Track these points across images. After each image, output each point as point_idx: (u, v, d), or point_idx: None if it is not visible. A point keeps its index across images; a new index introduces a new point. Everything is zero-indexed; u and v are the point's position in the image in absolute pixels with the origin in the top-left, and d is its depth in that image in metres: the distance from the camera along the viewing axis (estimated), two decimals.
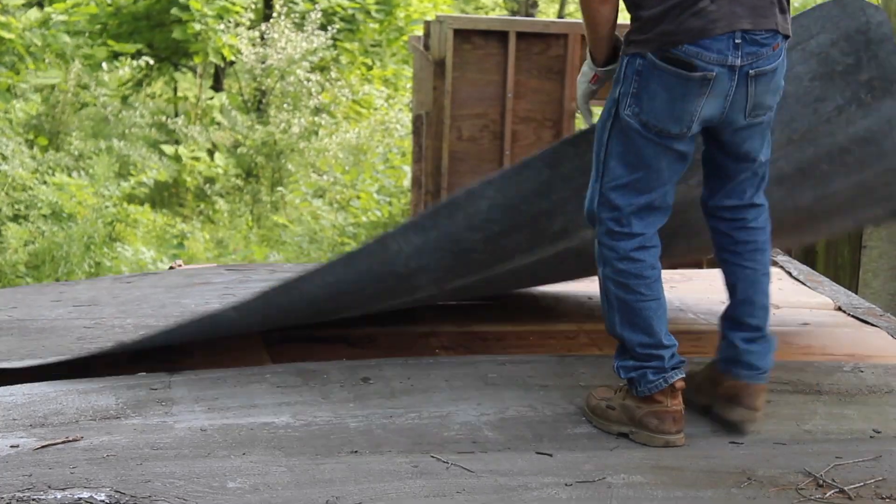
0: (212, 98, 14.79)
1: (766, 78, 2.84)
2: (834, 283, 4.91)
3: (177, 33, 14.26)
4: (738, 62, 2.77)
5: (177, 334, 3.53)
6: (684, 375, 2.97)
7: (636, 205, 2.91)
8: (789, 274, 4.97)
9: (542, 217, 3.37)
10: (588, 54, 3.04)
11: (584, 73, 3.08)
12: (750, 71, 2.79)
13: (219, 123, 14.27)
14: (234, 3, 14.38)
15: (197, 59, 14.71)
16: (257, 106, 14.93)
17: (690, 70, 2.75)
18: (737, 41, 2.76)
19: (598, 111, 3.09)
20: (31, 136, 12.83)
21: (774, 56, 2.83)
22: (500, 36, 6.60)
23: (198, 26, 14.03)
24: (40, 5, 14.72)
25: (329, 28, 14.70)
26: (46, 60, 13.56)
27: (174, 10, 14.18)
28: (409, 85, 15.41)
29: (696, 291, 4.65)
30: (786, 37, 2.88)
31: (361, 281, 3.43)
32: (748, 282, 3.05)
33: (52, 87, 13.52)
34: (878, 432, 3.15)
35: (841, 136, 3.45)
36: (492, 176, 3.25)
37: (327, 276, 3.38)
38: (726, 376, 3.08)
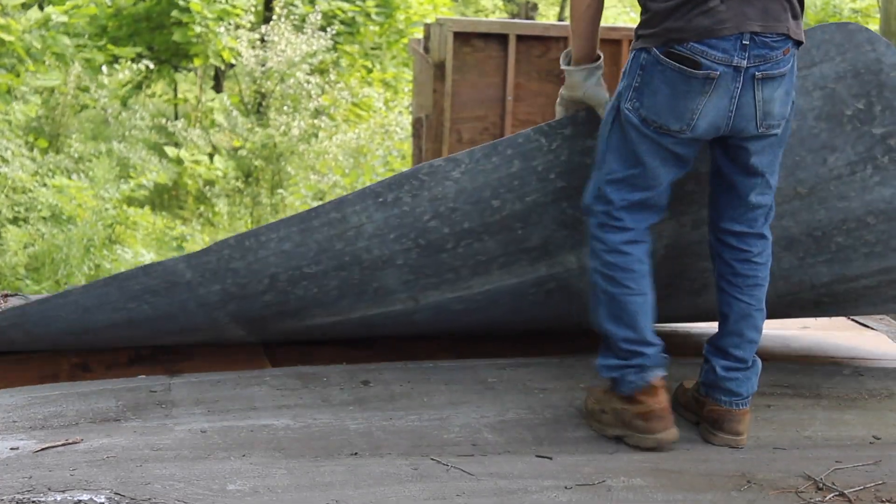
0: (213, 99, 14.79)
1: (775, 83, 2.80)
2: None
3: (177, 35, 14.27)
4: (745, 63, 2.74)
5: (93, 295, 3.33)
6: (664, 373, 2.95)
7: (629, 200, 2.90)
8: None
9: (517, 223, 3.25)
10: (575, 56, 3.04)
11: (571, 75, 3.07)
12: (756, 73, 2.76)
13: (219, 126, 14.27)
14: (234, 6, 14.39)
15: (197, 62, 14.71)
16: (257, 108, 14.94)
17: (694, 68, 2.73)
18: (745, 42, 2.74)
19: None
20: (30, 139, 12.83)
21: (784, 61, 2.79)
22: (500, 39, 6.61)
23: (198, 29, 14.04)
24: (40, 7, 14.72)
25: (328, 29, 14.71)
26: (46, 62, 13.56)
27: (174, 13, 14.18)
28: (408, 88, 15.43)
29: None
30: (798, 43, 2.84)
31: (322, 259, 3.26)
32: (741, 315, 3.02)
33: (52, 89, 13.53)
34: (878, 437, 3.14)
35: (856, 203, 3.27)
36: (458, 154, 3.13)
37: (284, 244, 3.21)
38: (708, 400, 3.07)
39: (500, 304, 3.51)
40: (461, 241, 3.27)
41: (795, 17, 2.82)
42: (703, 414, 3.08)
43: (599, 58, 3.00)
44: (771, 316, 3.44)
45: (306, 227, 3.19)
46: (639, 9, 2.90)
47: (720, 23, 2.72)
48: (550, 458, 2.89)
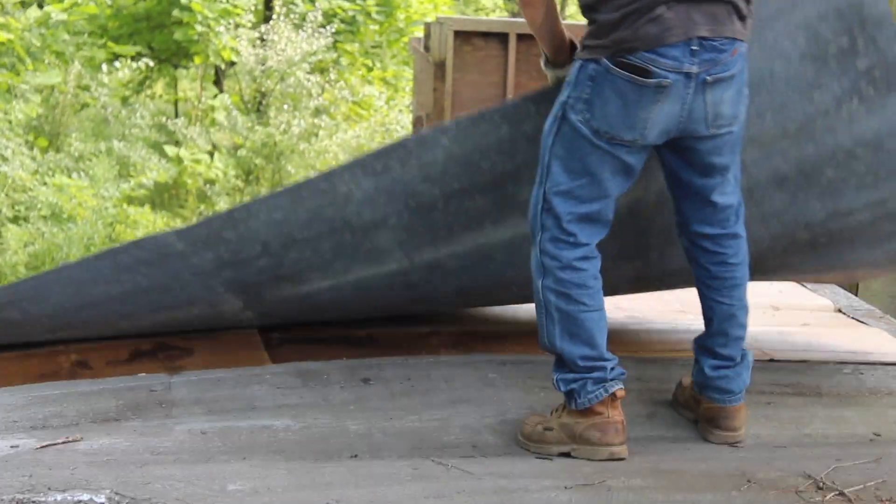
0: (214, 97, 14.79)
1: (725, 84, 2.78)
2: (834, 285, 4.90)
3: (178, 34, 14.27)
4: (695, 69, 2.72)
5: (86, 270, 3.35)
6: (623, 386, 2.92)
7: (577, 213, 2.85)
8: None
9: (509, 181, 3.21)
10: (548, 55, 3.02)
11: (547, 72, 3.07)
12: (707, 77, 2.74)
13: (219, 124, 14.28)
14: (235, 6, 14.39)
15: (197, 60, 14.71)
16: (257, 107, 14.95)
17: (646, 76, 2.70)
18: (693, 48, 2.71)
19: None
20: (31, 137, 12.83)
21: (733, 62, 2.78)
22: (500, 37, 6.60)
23: (199, 28, 14.04)
24: (40, 5, 14.71)
25: (327, 27, 14.70)
26: (46, 61, 13.56)
27: (175, 12, 14.18)
28: (409, 86, 15.42)
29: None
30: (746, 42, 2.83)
31: (313, 225, 3.25)
32: (724, 316, 3.01)
33: (52, 88, 13.52)
34: (878, 435, 3.14)
35: (844, 136, 3.27)
36: (445, 124, 3.13)
37: (275, 213, 3.21)
38: (703, 398, 3.07)
39: (494, 259, 3.46)
40: (452, 199, 3.25)
41: (742, 18, 2.79)
42: (700, 412, 3.08)
43: (575, 48, 2.95)
44: (768, 268, 3.51)
45: (295, 198, 3.22)
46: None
47: (668, 30, 2.69)
48: (551, 459, 2.89)
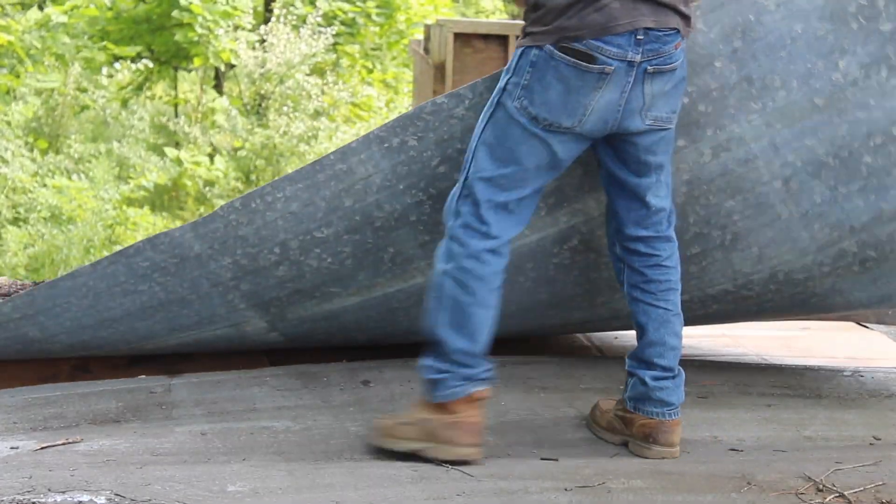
0: (214, 100, 14.80)
1: (665, 77, 2.79)
2: None
3: (179, 36, 14.28)
4: (638, 58, 2.73)
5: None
6: (486, 391, 2.88)
7: (496, 201, 2.81)
8: None
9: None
10: None
11: None
12: (648, 67, 2.75)
13: (219, 126, 14.28)
14: (235, 8, 14.40)
15: (197, 63, 14.72)
16: (257, 109, 14.95)
17: (590, 62, 2.71)
18: (639, 37, 2.73)
19: None
20: (30, 139, 12.84)
21: (676, 56, 2.79)
22: (500, 40, 6.60)
23: (200, 30, 14.04)
24: (40, 7, 14.73)
25: (327, 28, 14.70)
26: (46, 63, 13.57)
27: (175, 13, 14.19)
28: (409, 88, 15.43)
29: None
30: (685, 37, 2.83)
31: (332, 220, 3.10)
32: (659, 322, 2.96)
33: (52, 90, 13.53)
34: (878, 438, 3.14)
35: (878, 112, 3.04)
36: (461, 89, 2.94)
37: (291, 204, 3.06)
38: (638, 415, 2.99)
39: (523, 269, 3.32)
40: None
41: (684, 17, 2.80)
42: (634, 431, 2.98)
43: None
44: (817, 295, 3.35)
45: (312, 182, 3.07)
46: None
47: (614, 20, 2.71)
48: (556, 460, 2.88)
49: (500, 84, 2.81)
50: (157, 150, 13.57)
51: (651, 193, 2.91)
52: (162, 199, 13.55)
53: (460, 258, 2.81)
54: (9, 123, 12.49)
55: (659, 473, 2.79)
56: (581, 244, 3.26)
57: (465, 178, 2.84)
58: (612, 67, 2.71)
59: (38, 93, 13.36)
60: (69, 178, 12.17)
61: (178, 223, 12.73)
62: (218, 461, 2.82)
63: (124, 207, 12.13)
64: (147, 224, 12.04)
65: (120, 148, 13.05)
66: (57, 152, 12.83)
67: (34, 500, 2.50)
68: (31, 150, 12.56)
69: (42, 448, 2.86)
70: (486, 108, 2.84)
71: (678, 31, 2.79)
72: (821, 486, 2.71)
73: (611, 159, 2.91)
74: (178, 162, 13.40)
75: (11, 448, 2.87)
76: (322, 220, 3.14)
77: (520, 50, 2.78)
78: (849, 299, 3.46)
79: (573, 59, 2.71)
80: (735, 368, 3.64)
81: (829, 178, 3.13)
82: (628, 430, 3.00)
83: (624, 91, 2.75)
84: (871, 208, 3.18)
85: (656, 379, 2.95)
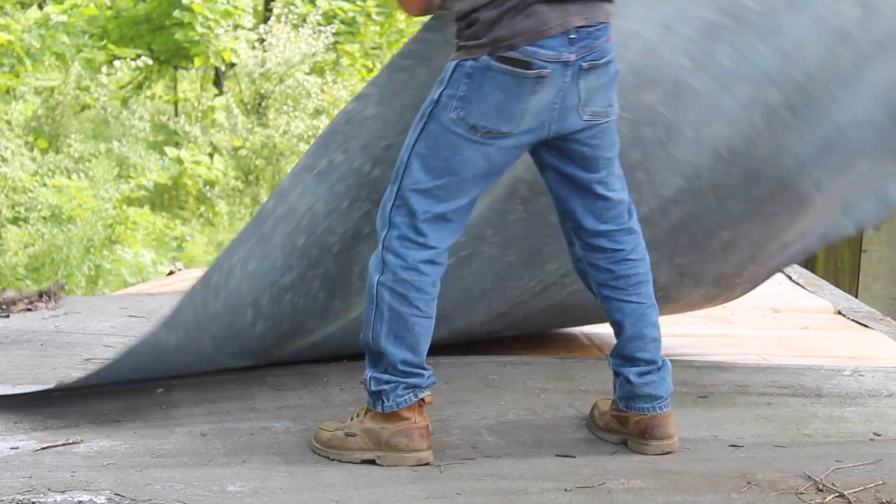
0: (215, 97, 14.80)
1: (600, 71, 2.80)
2: (834, 287, 4.91)
3: (179, 35, 14.27)
4: (573, 57, 2.74)
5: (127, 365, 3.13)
6: (430, 393, 2.87)
7: (433, 212, 2.80)
8: (789, 278, 4.97)
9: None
10: None
11: None
12: (583, 64, 2.76)
13: (219, 125, 14.28)
14: (236, 7, 14.40)
15: (197, 62, 14.72)
16: (257, 109, 14.95)
17: (526, 68, 2.72)
18: (571, 37, 2.74)
19: None
20: (30, 139, 12.84)
21: (608, 48, 2.81)
22: None
23: (200, 29, 14.04)
24: (40, 6, 14.72)
25: (327, 27, 14.70)
26: (46, 62, 13.57)
27: (176, 13, 14.19)
28: None
29: None
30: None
31: (292, 264, 3.08)
32: (636, 317, 2.95)
33: (52, 89, 13.53)
34: (878, 435, 3.15)
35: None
36: (364, 90, 2.93)
37: (249, 264, 2.99)
38: (631, 413, 2.98)
39: (485, 238, 3.34)
40: None
41: (609, 1, 2.83)
42: (630, 429, 2.99)
43: None
44: (770, 178, 3.33)
45: (260, 235, 3.03)
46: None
47: (545, 24, 2.71)
48: (573, 457, 2.89)
49: (433, 96, 2.79)
50: (158, 149, 13.57)
51: (604, 188, 2.91)
52: (162, 198, 13.55)
53: (398, 270, 2.80)
54: (9, 123, 12.49)
55: (659, 473, 2.79)
56: (529, 191, 3.25)
57: (398, 189, 2.82)
58: (549, 70, 2.73)
59: (38, 92, 13.36)
60: (69, 177, 12.17)
61: (179, 223, 12.73)
62: (218, 462, 2.82)
63: (124, 207, 12.13)
64: (147, 223, 12.04)
65: (120, 147, 13.05)
66: (57, 151, 12.83)
67: (34, 500, 2.50)
68: (31, 150, 12.56)
69: (42, 449, 2.86)
70: (416, 121, 2.82)
71: (608, 24, 2.80)
72: (821, 486, 2.71)
73: (556, 159, 2.90)
74: (179, 161, 13.41)
75: (11, 448, 2.87)
76: (283, 266, 3.10)
77: (453, 63, 2.77)
78: (797, 157, 3.37)
79: (510, 68, 2.71)
80: (735, 368, 3.64)
81: (727, 36, 3.12)
82: (625, 429, 3.00)
83: (560, 90, 2.76)
84: (776, 51, 3.17)
85: (641, 375, 2.95)
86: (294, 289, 3.16)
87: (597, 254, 2.95)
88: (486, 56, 2.72)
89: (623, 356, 2.97)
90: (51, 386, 3.24)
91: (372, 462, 2.84)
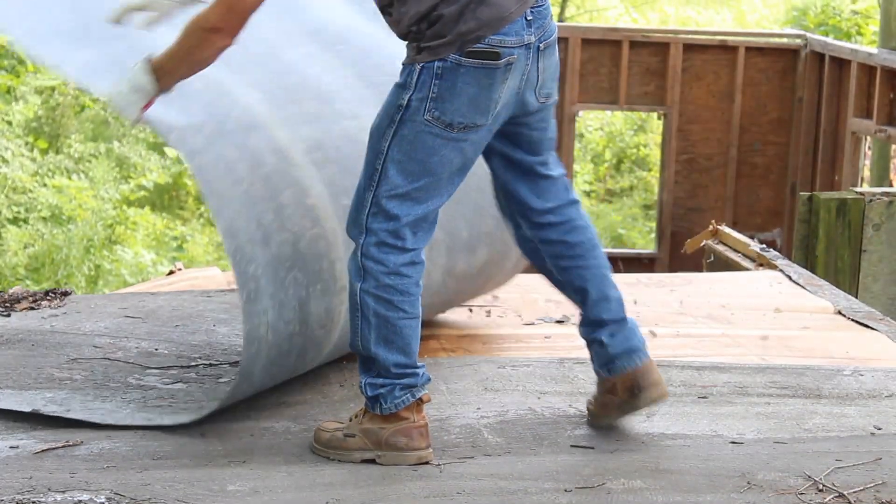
0: None
1: (551, 49, 2.89)
2: (834, 287, 4.90)
3: None
4: (533, 38, 2.81)
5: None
6: (428, 391, 2.89)
7: (413, 215, 2.82)
8: (789, 278, 4.97)
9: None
10: (161, 76, 2.79)
11: (139, 91, 2.80)
12: (540, 45, 2.84)
13: None
14: None
15: None
16: None
17: (495, 59, 2.76)
18: (528, 18, 2.80)
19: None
20: (30, 139, 12.84)
21: (554, 26, 2.91)
22: None
23: None
24: None
25: None
26: None
27: None
28: None
29: (697, 294, 4.65)
30: None
31: (276, 377, 3.19)
32: (598, 279, 3.01)
33: (52, 89, 13.53)
34: (879, 428, 3.15)
35: None
36: (187, 130, 2.97)
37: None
38: (616, 376, 3.01)
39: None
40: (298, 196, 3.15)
41: None
42: (620, 393, 3.01)
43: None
44: None
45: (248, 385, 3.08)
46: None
47: (506, 10, 2.76)
48: (592, 448, 2.92)
49: (399, 102, 2.79)
50: (158, 149, 13.57)
51: (547, 168, 3.00)
52: (162, 198, 13.54)
53: (381, 276, 2.81)
54: (9, 123, 12.50)
55: (659, 472, 2.79)
56: None
57: (374, 196, 2.82)
58: (515, 56, 2.78)
59: (39, 92, 13.36)
60: (69, 177, 12.17)
61: (179, 223, 12.73)
62: (218, 462, 2.82)
63: (124, 207, 12.13)
64: (147, 224, 12.04)
65: (120, 147, 13.05)
66: (57, 152, 12.83)
67: (34, 499, 2.51)
68: (32, 150, 12.56)
69: (42, 451, 2.86)
70: (384, 128, 2.81)
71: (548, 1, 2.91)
72: (821, 486, 2.71)
73: (504, 145, 2.97)
74: (179, 161, 13.40)
75: (11, 448, 2.87)
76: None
77: (418, 66, 2.76)
78: None
79: (480, 61, 2.75)
80: (735, 368, 3.64)
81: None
82: (616, 398, 3.03)
83: (524, 73, 2.82)
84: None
85: (612, 335, 3.00)
86: (296, 381, 3.31)
87: (547, 230, 3.02)
88: (455, 54, 2.75)
89: (592, 322, 3.03)
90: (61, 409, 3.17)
91: (372, 461, 2.84)
